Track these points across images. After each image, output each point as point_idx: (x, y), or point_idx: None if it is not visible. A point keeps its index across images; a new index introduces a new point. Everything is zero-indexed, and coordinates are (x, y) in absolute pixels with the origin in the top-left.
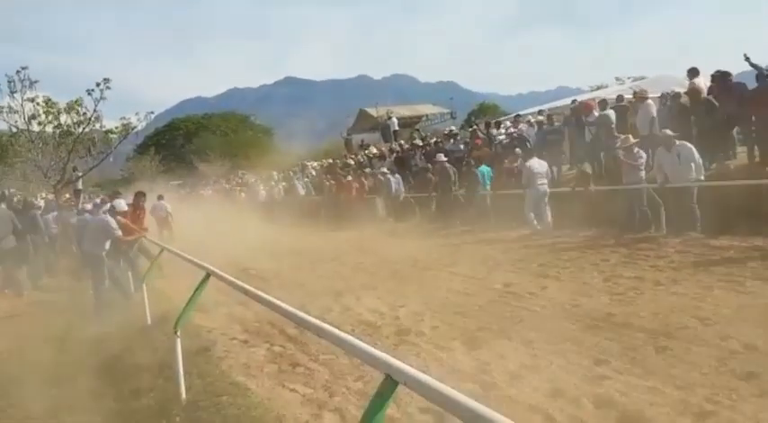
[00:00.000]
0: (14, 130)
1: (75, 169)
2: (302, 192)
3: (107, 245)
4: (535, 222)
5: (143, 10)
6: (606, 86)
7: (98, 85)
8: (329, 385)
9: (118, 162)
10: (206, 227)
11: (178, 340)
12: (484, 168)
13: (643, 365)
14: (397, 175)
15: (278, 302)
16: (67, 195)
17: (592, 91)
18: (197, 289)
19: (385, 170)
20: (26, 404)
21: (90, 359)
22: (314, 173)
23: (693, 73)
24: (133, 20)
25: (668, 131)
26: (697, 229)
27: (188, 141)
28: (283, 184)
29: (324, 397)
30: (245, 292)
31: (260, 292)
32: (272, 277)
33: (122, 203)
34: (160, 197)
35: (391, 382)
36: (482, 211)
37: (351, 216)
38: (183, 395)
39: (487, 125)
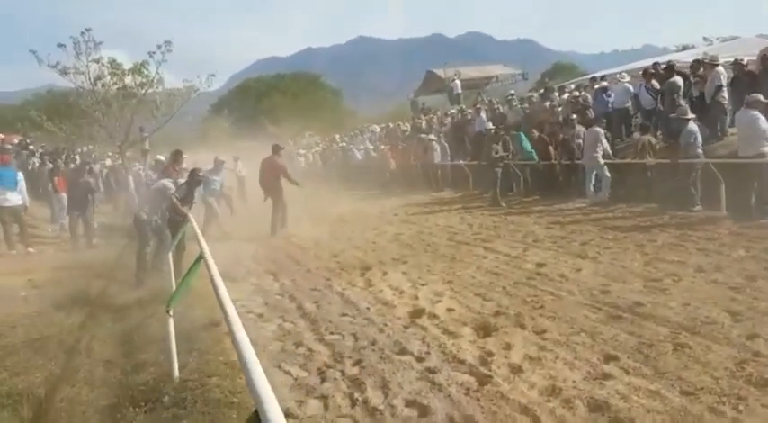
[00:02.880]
0: (80, 90)
1: (141, 130)
2: (359, 156)
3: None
4: (593, 192)
5: None
6: (693, 47)
7: (159, 47)
8: (324, 369)
9: (193, 123)
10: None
11: (170, 320)
12: (521, 135)
13: (654, 365)
14: (444, 143)
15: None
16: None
17: (677, 51)
18: (189, 270)
19: (432, 137)
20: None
21: (111, 326)
22: (374, 138)
23: None
24: None
25: (759, 96)
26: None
27: (259, 102)
28: (316, 148)
29: (315, 382)
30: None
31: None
32: (312, 246)
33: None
34: (236, 160)
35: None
36: (535, 182)
37: (401, 183)
38: (176, 373)
39: (547, 91)
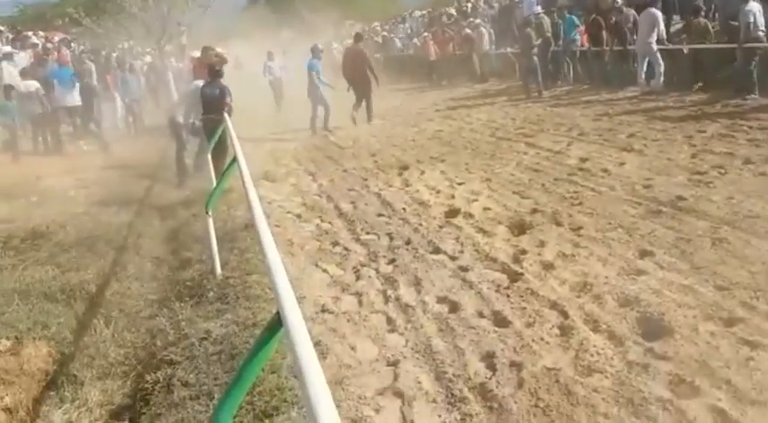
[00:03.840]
0: None
1: (179, 24)
2: (399, 45)
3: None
4: (644, 80)
5: None
6: None
7: None
8: (359, 267)
9: (232, 14)
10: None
11: (210, 220)
12: (570, 20)
13: (691, 260)
14: (490, 29)
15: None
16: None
17: None
18: (225, 171)
19: (478, 22)
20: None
21: (157, 224)
22: (416, 25)
23: None
24: None
25: None
26: None
27: None
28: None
29: (350, 280)
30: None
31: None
32: (349, 145)
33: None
34: (270, 56)
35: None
36: (584, 70)
37: (444, 74)
38: (219, 270)
39: None
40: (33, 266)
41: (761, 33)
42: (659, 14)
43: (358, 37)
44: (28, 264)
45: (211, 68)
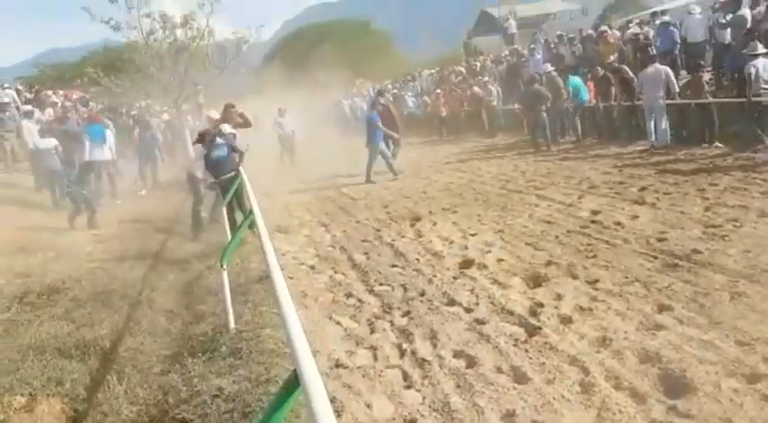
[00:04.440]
0: (134, 45)
1: (195, 84)
2: (411, 103)
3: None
4: (654, 137)
5: None
6: None
7: None
8: (374, 320)
9: (247, 74)
10: (313, 142)
11: (225, 273)
12: (574, 81)
13: (710, 314)
14: (498, 87)
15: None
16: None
17: None
18: (240, 225)
19: (487, 79)
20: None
21: (174, 278)
22: (426, 83)
23: None
24: None
25: None
26: None
27: (310, 51)
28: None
29: (364, 333)
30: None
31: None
32: (362, 197)
33: (227, 127)
34: (282, 112)
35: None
36: (592, 125)
37: (453, 129)
38: (232, 324)
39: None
40: (49, 322)
41: (765, 87)
42: (669, 70)
43: (381, 93)
44: (43, 319)
45: (202, 137)
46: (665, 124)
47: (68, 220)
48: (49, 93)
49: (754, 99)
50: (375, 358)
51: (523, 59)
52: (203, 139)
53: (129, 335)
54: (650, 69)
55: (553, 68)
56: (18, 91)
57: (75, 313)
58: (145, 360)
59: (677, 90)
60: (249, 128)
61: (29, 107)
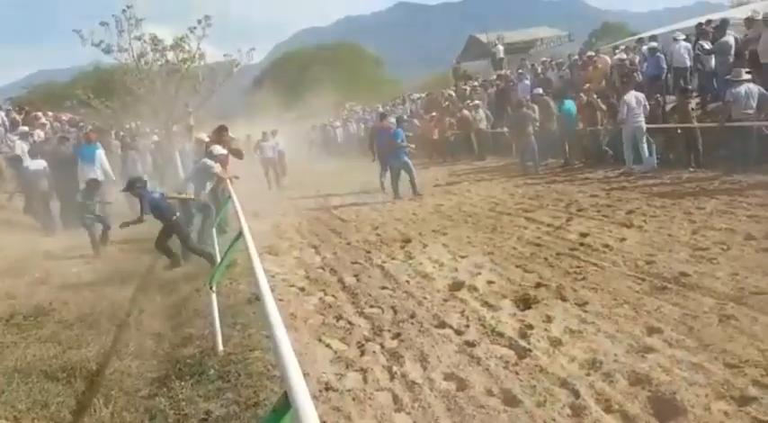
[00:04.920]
0: (125, 68)
1: (186, 105)
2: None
3: (205, 188)
4: (632, 164)
5: None
6: (749, 1)
7: (199, 22)
8: (364, 343)
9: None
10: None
11: (213, 296)
12: (568, 104)
13: (699, 337)
14: (487, 111)
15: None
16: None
17: (732, 7)
18: (230, 247)
19: (477, 102)
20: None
21: (162, 300)
22: (416, 106)
23: None
24: None
25: None
26: None
27: (300, 74)
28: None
29: (354, 355)
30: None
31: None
32: (353, 218)
33: (218, 148)
34: (273, 132)
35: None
36: (579, 149)
37: (443, 152)
38: (221, 347)
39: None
40: (35, 344)
41: (750, 112)
42: (639, 96)
43: (382, 116)
44: (30, 341)
45: (131, 185)
46: (647, 148)
47: (92, 246)
48: (39, 114)
49: (727, 124)
50: (365, 381)
51: (512, 84)
52: (132, 187)
53: (116, 357)
54: (630, 94)
55: (544, 92)
56: (8, 112)
57: (62, 335)
58: (132, 383)
59: (648, 108)
60: (239, 158)
61: (25, 128)
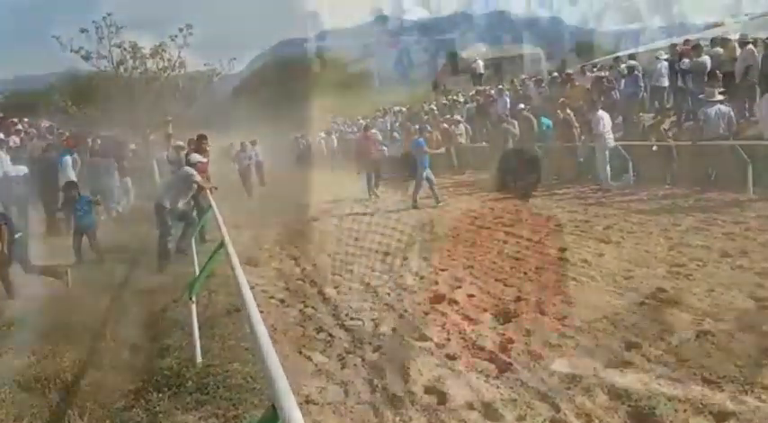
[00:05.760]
0: (103, 74)
1: (165, 114)
2: (380, 138)
3: (185, 196)
4: (609, 180)
5: None
6: (722, 24)
7: (181, 30)
8: (345, 355)
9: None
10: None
11: (193, 306)
12: (544, 120)
13: (677, 352)
14: (466, 125)
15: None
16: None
17: (707, 28)
18: (211, 257)
19: (457, 117)
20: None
21: (139, 311)
22: (397, 119)
23: None
24: None
25: None
26: None
27: (280, 85)
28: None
29: (335, 368)
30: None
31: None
32: (333, 230)
33: (197, 156)
34: (253, 143)
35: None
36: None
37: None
38: (199, 358)
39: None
40: (9, 354)
41: (721, 131)
42: (603, 116)
43: (367, 127)
44: (3, 351)
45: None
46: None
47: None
48: (15, 120)
49: (698, 143)
50: (346, 394)
51: (491, 99)
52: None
53: (92, 368)
54: (602, 112)
55: (525, 108)
56: None
57: (37, 345)
58: (108, 395)
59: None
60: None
61: (0, 135)
